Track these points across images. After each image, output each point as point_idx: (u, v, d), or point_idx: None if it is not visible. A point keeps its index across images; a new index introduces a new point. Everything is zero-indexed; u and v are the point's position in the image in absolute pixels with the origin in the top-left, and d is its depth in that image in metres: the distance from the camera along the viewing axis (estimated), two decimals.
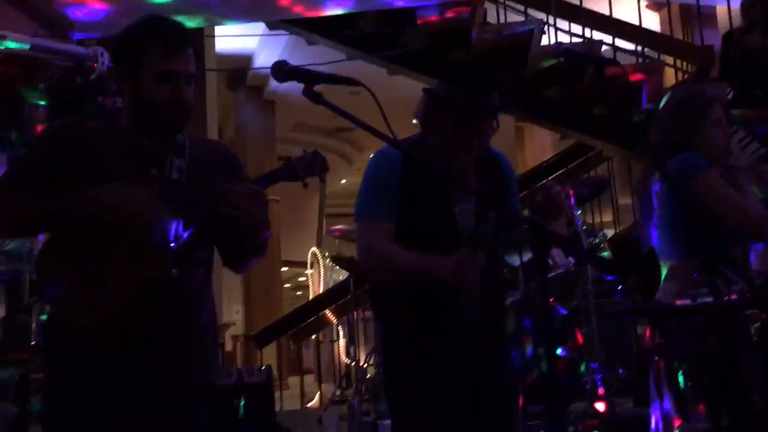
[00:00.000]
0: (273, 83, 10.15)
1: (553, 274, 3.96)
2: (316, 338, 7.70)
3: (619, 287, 4.55)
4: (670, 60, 5.45)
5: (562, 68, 5.00)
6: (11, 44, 3.24)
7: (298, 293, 15.94)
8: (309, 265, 10.68)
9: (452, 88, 2.05)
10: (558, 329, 3.77)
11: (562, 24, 5.51)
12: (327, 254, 9.60)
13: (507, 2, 5.74)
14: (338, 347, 7.94)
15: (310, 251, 10.53)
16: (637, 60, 5.37)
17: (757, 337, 2.04)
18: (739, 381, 2.01)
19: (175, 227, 1.78)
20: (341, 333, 7.78)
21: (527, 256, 2.17)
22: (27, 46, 3.36)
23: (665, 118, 2.49)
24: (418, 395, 2.02)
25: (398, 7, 5.15)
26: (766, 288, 2.18)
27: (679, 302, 2.03)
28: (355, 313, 6.50)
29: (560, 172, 6.58)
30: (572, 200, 4.03)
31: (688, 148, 2.31)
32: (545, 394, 2.98)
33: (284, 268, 12.04)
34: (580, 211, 4.29)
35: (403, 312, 2.05)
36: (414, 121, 2.15)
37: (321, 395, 6.95)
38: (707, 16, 5.63)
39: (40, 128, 3.68)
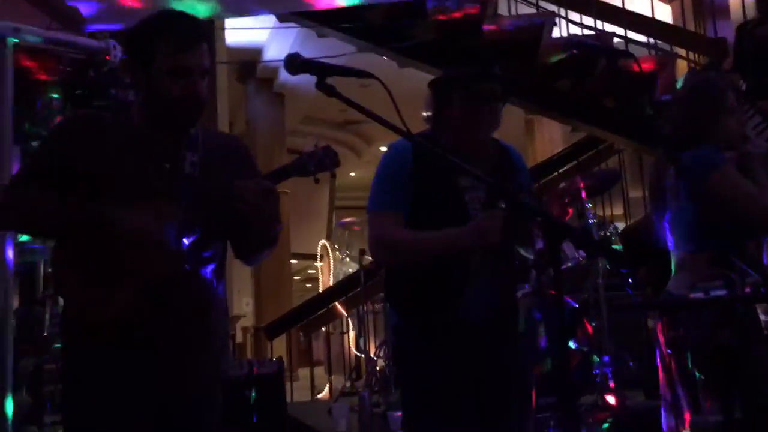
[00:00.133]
0: (283, 76, 10.19)
1: (564, 266, 3.96)
2: (326, 330, 7.74)
3: (630, 280, 4.53)
4: (682, 52, 5.41)
5: (573, 60, 4.97)
6: (24, 37, 3.25)
7: (308, 285, 15.96)
8: (319, 258, 10.71)
9: (454, 68, 2.08)
10: (568, 322, 3.77)
11: (574, 16, 5.47)
12: (337, 246, 9.63)
13: None
14: (348, 339, 7.96)
15: (320, 243, 10.56)
16: (650, 52, 5.34)
17: None
18: (751, 374, 2.00)
19: (186, 223, 1.78)
20: (351, 325, 7.80)
21: (538, 248, 2.17)
22: (40, 39, 3.37)
23: (678, 107, 2.45)
24: (430, 386, 2.03)
25: None
26: None
27: (691, 295, 2.02)
28: (365, 305, 6.52)
29: (571, 164, 6.57)
30: (583, 193, 4.03)
31: (703, 139, 2.28)
32: (556, 386, 2.99)
33: (294, 261, 12.07)
34: (590, 204, 4.28)
35: (417, 299, 2.06)
36: (424, 114, 2.16)
37: (331, 387, 6.98)
38: (720, 8, 5.57)
39: (52, 121, 3.71)
